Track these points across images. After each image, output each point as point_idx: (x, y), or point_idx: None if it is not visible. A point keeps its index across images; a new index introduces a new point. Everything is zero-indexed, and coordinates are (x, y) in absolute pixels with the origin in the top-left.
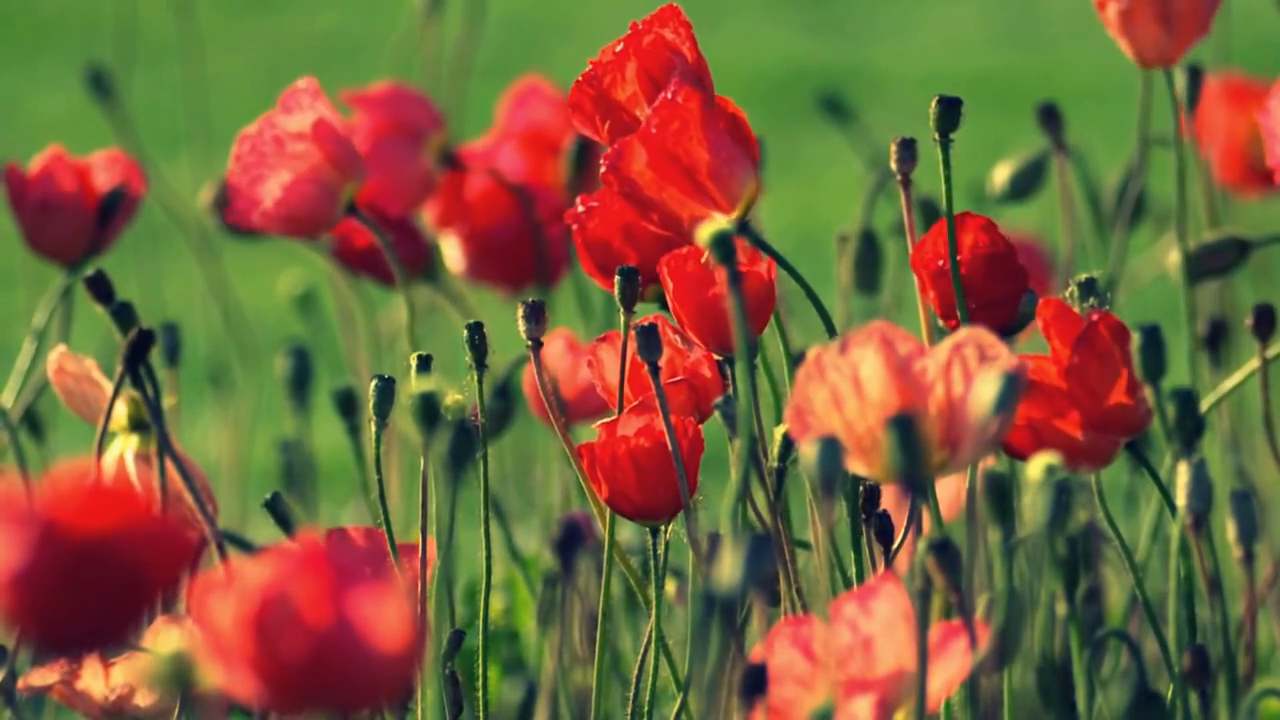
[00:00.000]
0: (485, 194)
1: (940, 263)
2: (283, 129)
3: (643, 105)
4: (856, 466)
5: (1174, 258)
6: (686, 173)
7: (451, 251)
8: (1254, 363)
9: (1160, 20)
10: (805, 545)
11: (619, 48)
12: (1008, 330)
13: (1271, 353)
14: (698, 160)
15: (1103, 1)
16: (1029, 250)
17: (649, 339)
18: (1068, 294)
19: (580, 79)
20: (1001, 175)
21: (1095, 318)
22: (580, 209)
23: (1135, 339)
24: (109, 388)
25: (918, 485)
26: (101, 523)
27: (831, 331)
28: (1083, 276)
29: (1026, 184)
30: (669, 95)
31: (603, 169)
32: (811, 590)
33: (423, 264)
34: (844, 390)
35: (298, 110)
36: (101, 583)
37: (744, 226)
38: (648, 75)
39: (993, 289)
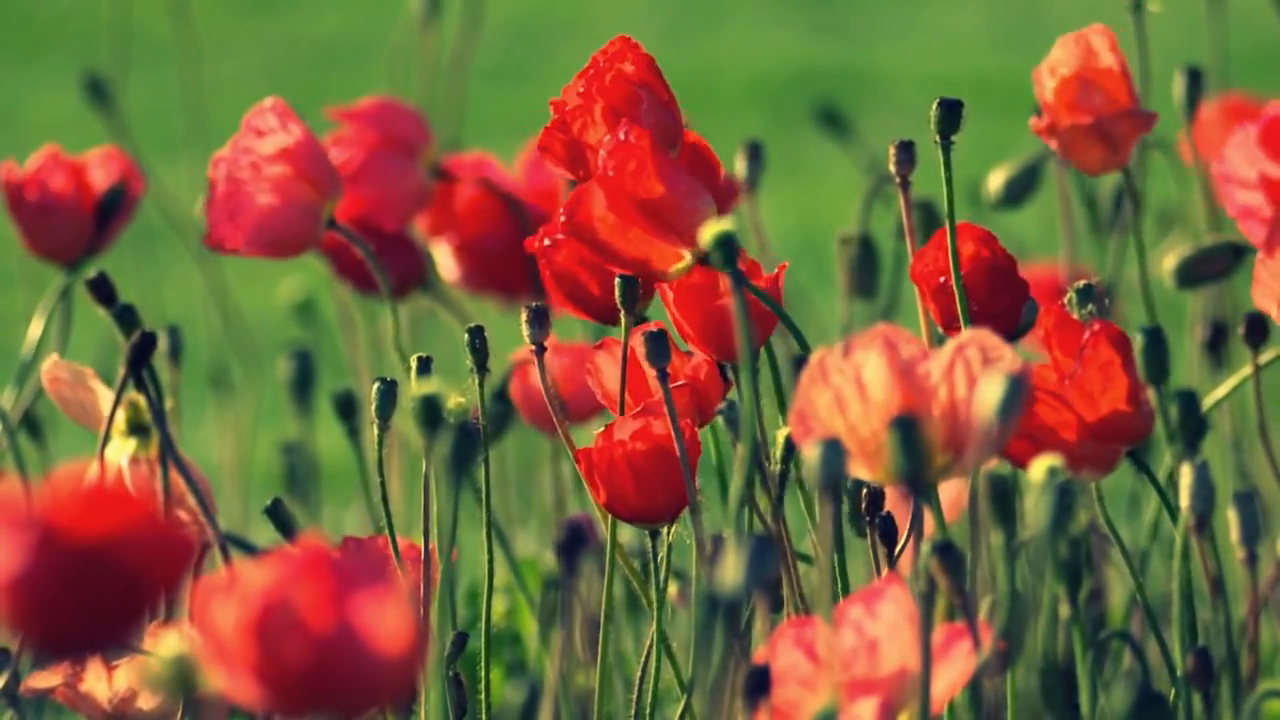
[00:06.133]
0: (475, 203)
1: (941, 279)
2: (257, 152)
3: None
4: (859, 470)
5: (1169, 262)
6: (646, 212)
7: (444, 261)
8: (1247, 369)
9: (1102, 142)
10: (807, 559)
11: (581, 88)
12: (1008, 339)
13: (1265, 359)
14: (656, 197)
15: (1041, 132)
16: (1045, 281)
17: (657, 345)
18: (1065, 301)
19: (550, 125)
20: (996, 182)
21: (1096, 327)
22: (545, 242)
23: (1137, 341)
24: (104, 393)
25: (920, 487)
26: (101, 526)
27: (804, 348)
28: (1081, 283)
29: (1021, 190)
30: (621, 135)
31: (561, 218)
32: (814, 593)
33: (418, 275)
34: (847, 393)
35: (269, 132)
36: (101, 586)
37: (707, 259)
38: (615, 114)
39: (994, 301)
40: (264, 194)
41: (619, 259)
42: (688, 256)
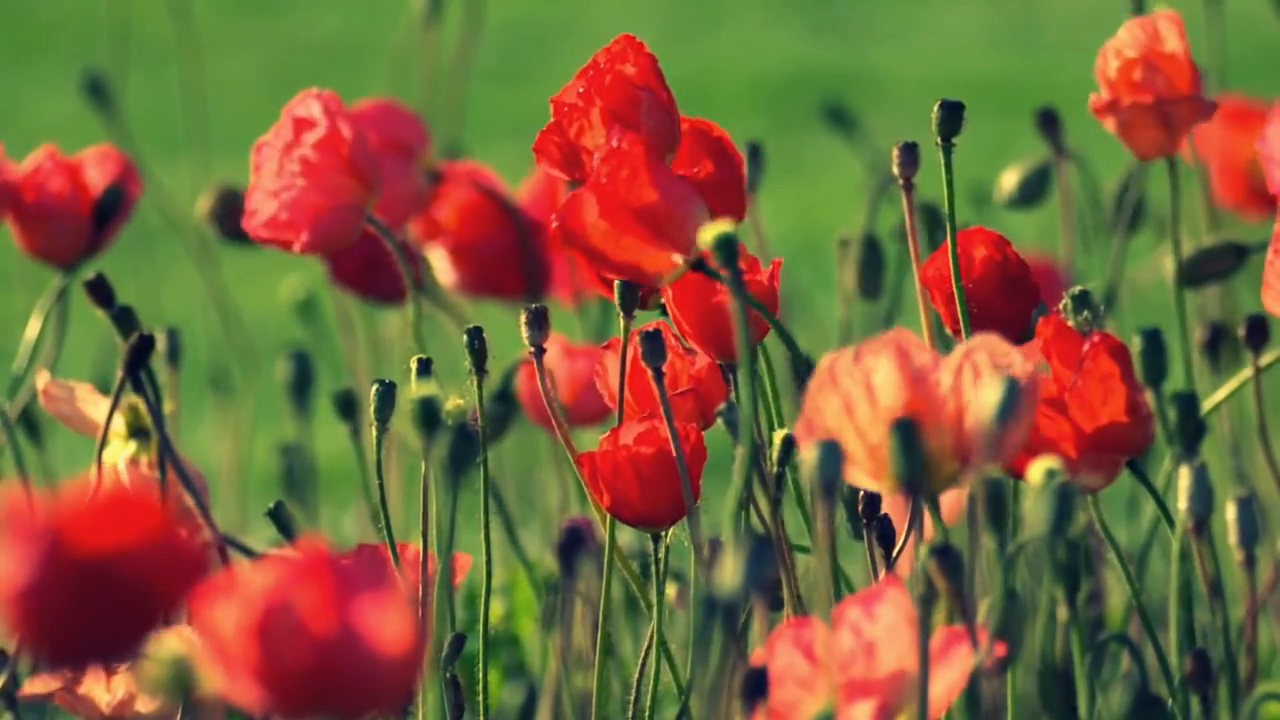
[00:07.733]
0: (470, 207)
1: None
2: (306, 145)
3: None
4: (866, 479)
5: (1169, 264)
6: (640, 218)
7: (439, 264)
8: (1247, 372)
9: (1161, 125)
10: (805, 549)
11: (581, 89)
12: (1017, 344)
13: (1265, 361)
14: (650, 204)
15: (1100, 109)
16: (1046, 273)
17: (653, 345)
18: (1062, 306)
19: (548, 127)
20: (1009, 182)
21: (1096, 339)
22: None
23: (1136, 343)
24: (100, 404)
25: (920, 491)
26: (109, 537)
27: (794, 352)
28: (1076, 290)
29: (1033, 191)
30: (614, 142)
31: (553, 225)
32: (811, 594)
33: (416, 280)
34: (856, 396)
35: (314, 123)
36: (109, 597)
37: (699, 264)
38: (614, 117)
39: (1004, 306)
40: (314, 189)
41: (611, 265)
42: (680, 262)
